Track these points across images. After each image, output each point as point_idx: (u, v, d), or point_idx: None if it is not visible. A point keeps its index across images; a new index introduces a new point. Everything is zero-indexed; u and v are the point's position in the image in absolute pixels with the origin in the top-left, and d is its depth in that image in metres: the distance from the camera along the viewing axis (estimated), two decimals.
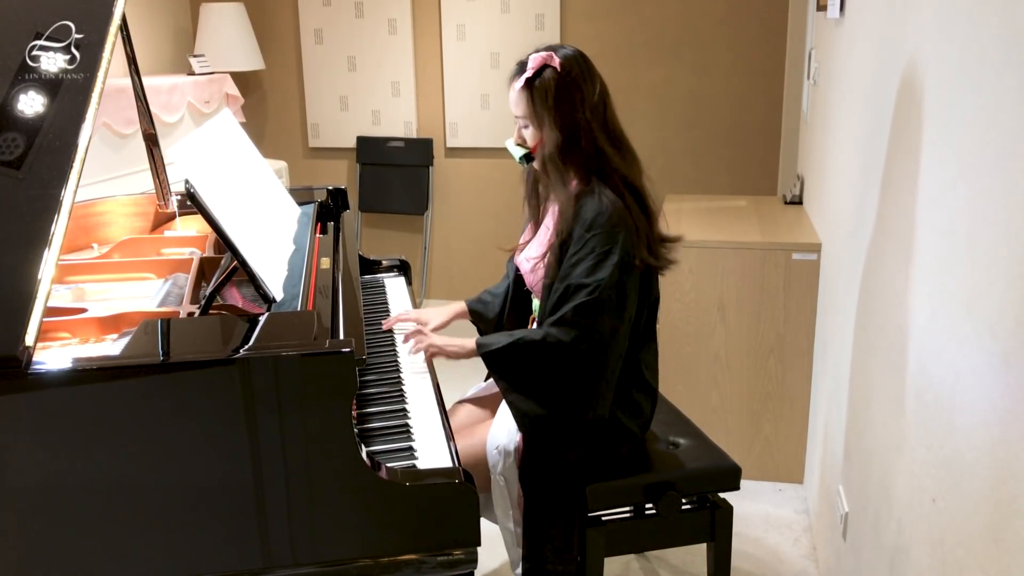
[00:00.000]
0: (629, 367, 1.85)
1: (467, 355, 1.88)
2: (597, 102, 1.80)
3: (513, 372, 1.78)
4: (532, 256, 1.92)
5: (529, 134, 1.85)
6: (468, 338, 1.89)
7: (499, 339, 1.80)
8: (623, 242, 1.73)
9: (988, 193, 1.13)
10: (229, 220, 1.54)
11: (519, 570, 1.87)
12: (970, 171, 1.21)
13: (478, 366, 2.11)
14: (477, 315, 2.16)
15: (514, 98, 1.83)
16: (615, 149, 1.82)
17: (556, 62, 1.78)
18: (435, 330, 2.11)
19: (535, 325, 1.89)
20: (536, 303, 1.94)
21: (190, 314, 1.61)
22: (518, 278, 2.03)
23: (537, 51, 1.82)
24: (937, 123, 1.39)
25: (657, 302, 1.90)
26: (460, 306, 2.16)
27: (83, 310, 1.68)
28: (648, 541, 1.97)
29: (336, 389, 1.32)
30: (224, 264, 1.78)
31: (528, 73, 1.79)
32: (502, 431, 1.82)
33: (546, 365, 1.75)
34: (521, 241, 2.01)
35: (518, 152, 1.89)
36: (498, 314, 2.12)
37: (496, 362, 1.80)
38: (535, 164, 1.87)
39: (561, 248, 1.80)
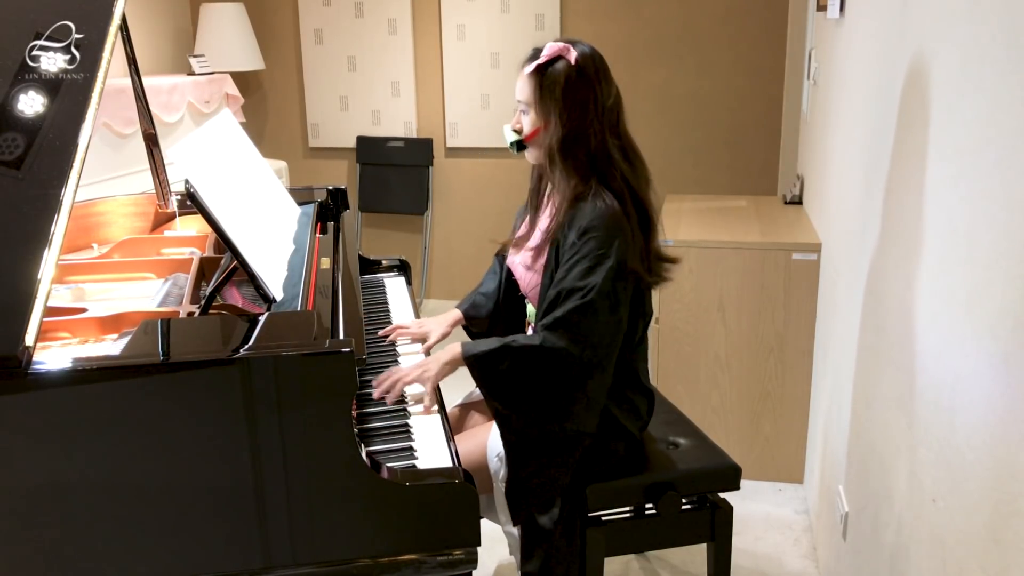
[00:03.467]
0: (624, 370, 1.83)
1: (453, 366, 1.75)
2: (611, 106, 1.76)
3: (500, 377, 1.70)
4: (527, 263, 1.87)
5: (528, 121, 1.79)
6: (453, 345, 1.77)
7: (488, 343, 1.73)
8: (618, 248, 1.69)
9: (988, 193, 1.13)
10: (229, 220, 1.54)
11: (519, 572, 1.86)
12: (970, 171, 1.21)
13: None
14: (471, 319, 2.12)
15: (521, 82, 1.78)
16: (623, 156, 1.78)
17: (572, 56, 1.73)
18: (437, 342, 2.04)
19: (531, 330, 1.87)
20: (531, 308, 1.92)
21: (190, 314, 1.61)
22: (512, 282, 1.98)
23: (557, 40, 1.76)
24: (937, 123, 1.39)
25: (650, 317, 1.87)
26: (457, 314, 2.11)
27: (83, 310, 1.68)
28: (648, 541, 1.97)
29: (336, 389, 1.32)
30: (224, 264, 1.77)
31: (541, 60, 1.74)
32: (500, 438, 1.81)
33: (538, 371, 1.69)
34: (517, 236, 1.95)
35: (511, 137, 1.83)
36: (491, 312, 2.08)
37: (483, 366, 1.71)
38: (529, 154, 1.83)
39: (555, 251, 1.76)
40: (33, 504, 1.26)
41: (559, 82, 1.73)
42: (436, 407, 1.72)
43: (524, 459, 1.74)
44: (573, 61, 1.73)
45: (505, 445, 1.74)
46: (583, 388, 1.72)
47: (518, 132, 1.82)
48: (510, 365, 1.70)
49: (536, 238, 1.88)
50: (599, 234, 1.69)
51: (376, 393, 1.70)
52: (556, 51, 1.74)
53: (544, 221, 1.88)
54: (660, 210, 2.13)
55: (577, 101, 1.73)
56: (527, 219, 1.95)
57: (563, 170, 1.77)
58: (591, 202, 1.73)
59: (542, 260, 1.82)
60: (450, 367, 1.75)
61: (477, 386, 1.76)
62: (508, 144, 1.85)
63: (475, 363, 1.72)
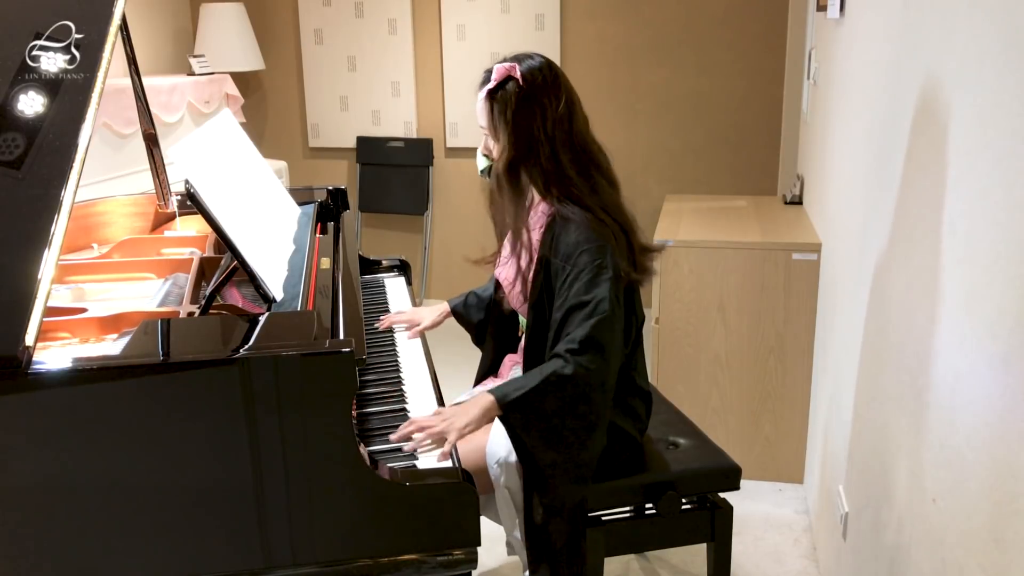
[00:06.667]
0: (623, 375, 1.83)
1: (490, 415, 1.64)
2: (561, 115, 1.74)
3: (542, 416, 1.63)
4: (508, 277, 1.88)
5: (493, 145, 1.81)
6: (481, 395, 1.66)
7: (520, 383, 1.65)
8: (611, 255, 1.69)
9: (988, 193, 1.13)
10: (229, 220, 1.54)
11: (527, 574, 1.86)
12: (970, 171, 1.21)
13: (477, 365, 2.11)
14: (461, 317, 2.14)
15: (478, 108, 1.80)
16: (579, 172, 1.76)
17: (518, 74, 1.73)
18: (427, 329, 2.11)
19: (524, 340, 1.87)
20: (523, 320, 1.92)
21: (190, 314, 1.61)
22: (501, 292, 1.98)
23: (503, 61, 1.77)
24: (937, 123, 1.39)
25: (642, 319, 1.87)
26: (447, 307, 2.16)
27: (83, 310, 1.68)
28: (648, 541, 1.96)
29: (336, 389, 1.32)
30: (224, 264, 1.78)
31: (491, 84, 1.75)
32: (500, 444, 1.78)
33: (578, 398, 1.64)
34: (498, 251, 1.95)
35: (482, 163, 1.85)
36: (482, 320, 2.11)
37: (524, 408, 1.62)
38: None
39: (545, 275, 1.76)
40: (33, 504, 1.26)
41: (509, 103, 1.73)
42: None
43: (547, 490, 1.71)
44: (520, 79, 1.73)
45: (527, 472, 1.71)
46: (605, 404, 1.70)
47: (487, 156, 1.84)
48: (552, 399, 1.63)
49: (506, 252, 1.88)
50: (589, 246, 1.69)
51: (395, 436, 1.56)
52: (504, 72, 1.74)
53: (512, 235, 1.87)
54: (660, 201, 2.12)
55: (526, 120, 1.73)
56: (504, 241, 1.94)
57: (514, 190, 1.78)
58: (570, 219, 1.73)
59: (520, 276, 1.83)
60: (485, 418, 1.63)
61: (508, 434, 1.69)
62: (479, 170, 1.87)
63: (515, 407, 1.62)
